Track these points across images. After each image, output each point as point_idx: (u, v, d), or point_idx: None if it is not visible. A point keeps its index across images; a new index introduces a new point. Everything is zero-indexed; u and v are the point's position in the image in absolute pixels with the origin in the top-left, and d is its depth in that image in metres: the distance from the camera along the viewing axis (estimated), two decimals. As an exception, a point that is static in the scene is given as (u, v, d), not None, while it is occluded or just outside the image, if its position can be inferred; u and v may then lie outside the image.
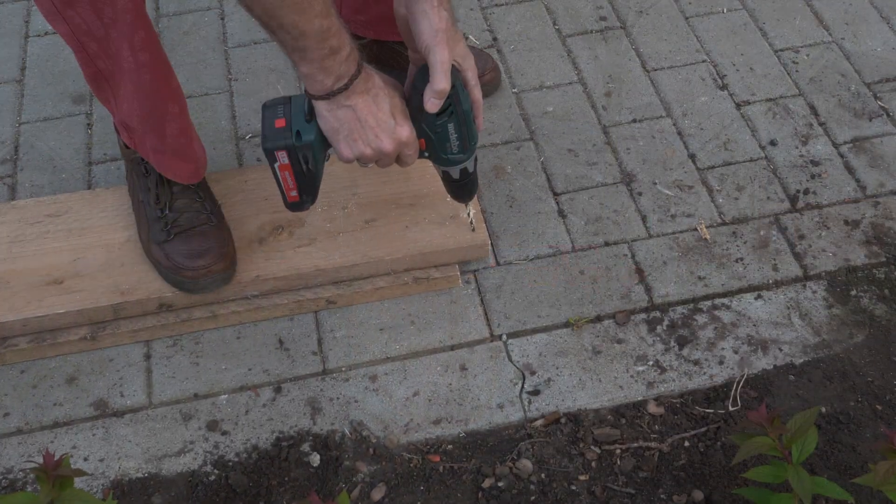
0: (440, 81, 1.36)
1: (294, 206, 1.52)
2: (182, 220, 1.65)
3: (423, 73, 1.39)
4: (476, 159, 1.55)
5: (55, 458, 1.10)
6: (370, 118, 1.37)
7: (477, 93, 1.46)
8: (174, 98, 1.60)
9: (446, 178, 1.56)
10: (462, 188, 1.58)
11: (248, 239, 1.72)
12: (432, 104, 1.39)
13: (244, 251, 1.70)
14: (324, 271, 1.69)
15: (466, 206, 1.69)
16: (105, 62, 1.49)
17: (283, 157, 1.42)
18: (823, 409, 1.54)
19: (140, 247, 1.70)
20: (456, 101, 1.42)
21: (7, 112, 2.08)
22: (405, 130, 1.41)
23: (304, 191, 1.49)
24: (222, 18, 2.28)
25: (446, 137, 1.46)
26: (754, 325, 1.67)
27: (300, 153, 1.43)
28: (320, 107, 1.37)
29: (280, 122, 1.41)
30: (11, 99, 2.11)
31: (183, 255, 1.62)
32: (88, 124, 2.05)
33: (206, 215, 1.66)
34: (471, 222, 1.72)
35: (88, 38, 1.46)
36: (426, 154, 1.49)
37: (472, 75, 1.43)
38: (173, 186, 1.67)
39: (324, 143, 1.44)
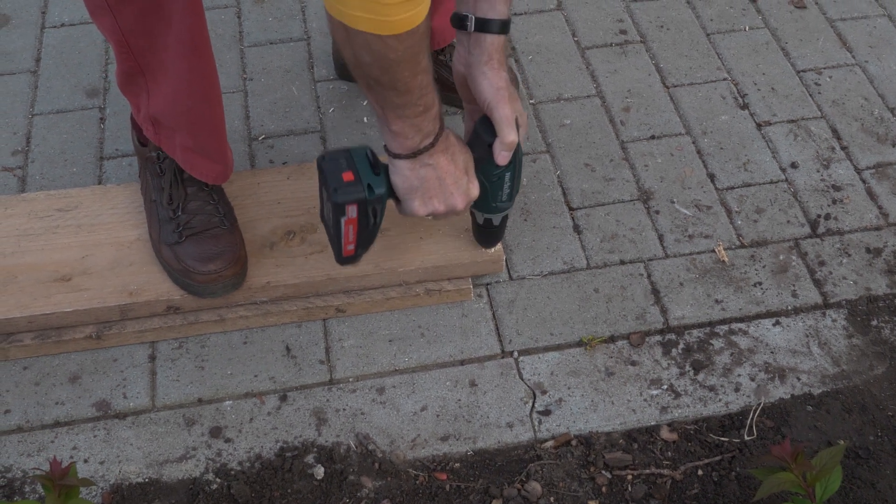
0: (509, 134, 1.43)
1: (347, 260, 1.51)
2: (194, 223, 1.62)
3: (485, 126, 1.45)
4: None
5: (62, 466, 1.07)
6: (448, 177, 1.42)
7: (521, 149, 1.51)
8: (215, 98, 1.59)
9: (486, 224, 1.60)
10: (497, 234, 1.64)
11: (259, 243, 1.70)
12: (503, 157, 1.46)
13: (255, 255, 1.67)
14: (335, 280, 1.66)
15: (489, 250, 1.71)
16: (149, 58, 1.49)
17: (352, 210, 1.41)
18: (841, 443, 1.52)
19: (150, 246, 1.67)
20: (515, 153, 1.47)
21: (20, 103, 2.05)
22: (476, 188, 1.47)
23: (362, 244, 1.48)
24: (239, 17, 2.25)
25: (500, 187, 1.51)
26: (772, 353, 1.64)
27: (370, 206, 1.42)
28: (401, 166, 1.40)
29: (348, 176, 1.40)
30: (25, 90, 2.08)
31: (194, 258, 1.59)
32: (101, 118, 2.03)
33: (219, 218, 1.64)
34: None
35: (134, 34, 1.45)
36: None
37: (522, 132, 1.47)
38: (187, 187, 1.64)
39: (390, 196, 1.45)
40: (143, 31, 1.44)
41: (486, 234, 1.64)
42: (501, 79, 1.42)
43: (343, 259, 1.50)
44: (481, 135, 1.46)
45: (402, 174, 1.41)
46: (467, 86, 1.46)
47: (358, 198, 1.40)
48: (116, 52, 1.50)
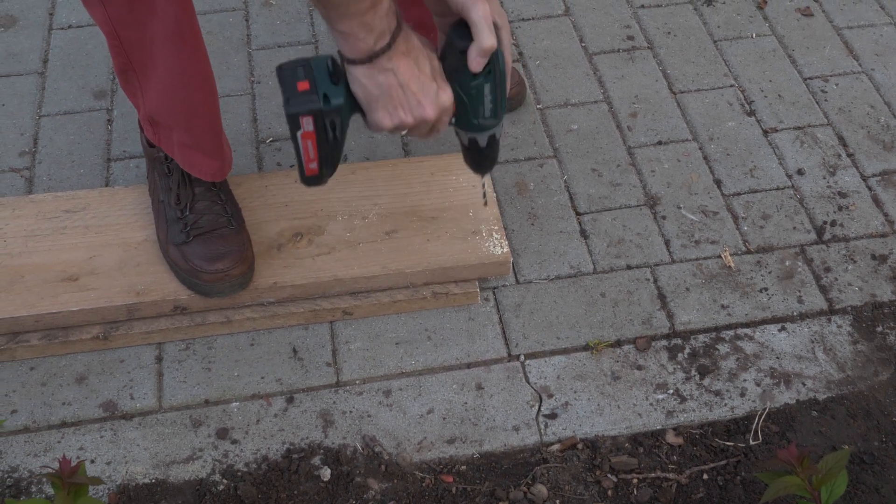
0: (487, 38, 1.27)
1: (311, 180, 1.40)
2: (202, 223, 1.62)
3: (460, 31, 1.30)
4: (502, 126, 1.46)
5: (71, 465, 1.07)
6: (413, 83, 1.27)
7: (508, 56, 1.36)
8: (209, 93, 1.58)
9: (472, 146, 1.46)
10: (486, 157, 1.49)
11: (267, 245, 1.70)
12: (478, 62, 1.30)
13: (262, 257, 1.68)
14: (342, 281, 1.66)
15: (482, 177, 1.61)
16: (139, 53, 1.47)
17: (307, 123, 1.31)
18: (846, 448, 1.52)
19: (157, 247, 1.68)
20: (494, 60, 1.32)
21: (28, 104, 2.06)
22: (447, 95, 1.32)
23: (326, 162, 1.37)
24: (247, 20, 2.26)
25: (481, 100, 1.36)
26: (777, 358, 1.64)
27: (328, 119, 1.31)
28: (358, 73, 1.27)
29: (304, 85, 1.29)
30: (32, 91, 2.09)
31: (201, 258, 1.59)
32: (109, 120, 2.03)
33: (226, 218, 1.64)
34: (484, 196, 1.69)
35: (125, 25, 1.44)
36: (453, 121, 1.40)
37: (505, 35, 1.33)
38: (195, 188, 1.65)
39: (352, 108, 1.33)
40: (133, 22, 1.42)
41: (475, 156, 1.49)
42: None
43: (307, 179, 1.40)
44: (454, 41, 1.30)
45: (360, 82, 1.27)
46: None
47: (312, 108, 1.29)
48: (110, 47, 1.49)
